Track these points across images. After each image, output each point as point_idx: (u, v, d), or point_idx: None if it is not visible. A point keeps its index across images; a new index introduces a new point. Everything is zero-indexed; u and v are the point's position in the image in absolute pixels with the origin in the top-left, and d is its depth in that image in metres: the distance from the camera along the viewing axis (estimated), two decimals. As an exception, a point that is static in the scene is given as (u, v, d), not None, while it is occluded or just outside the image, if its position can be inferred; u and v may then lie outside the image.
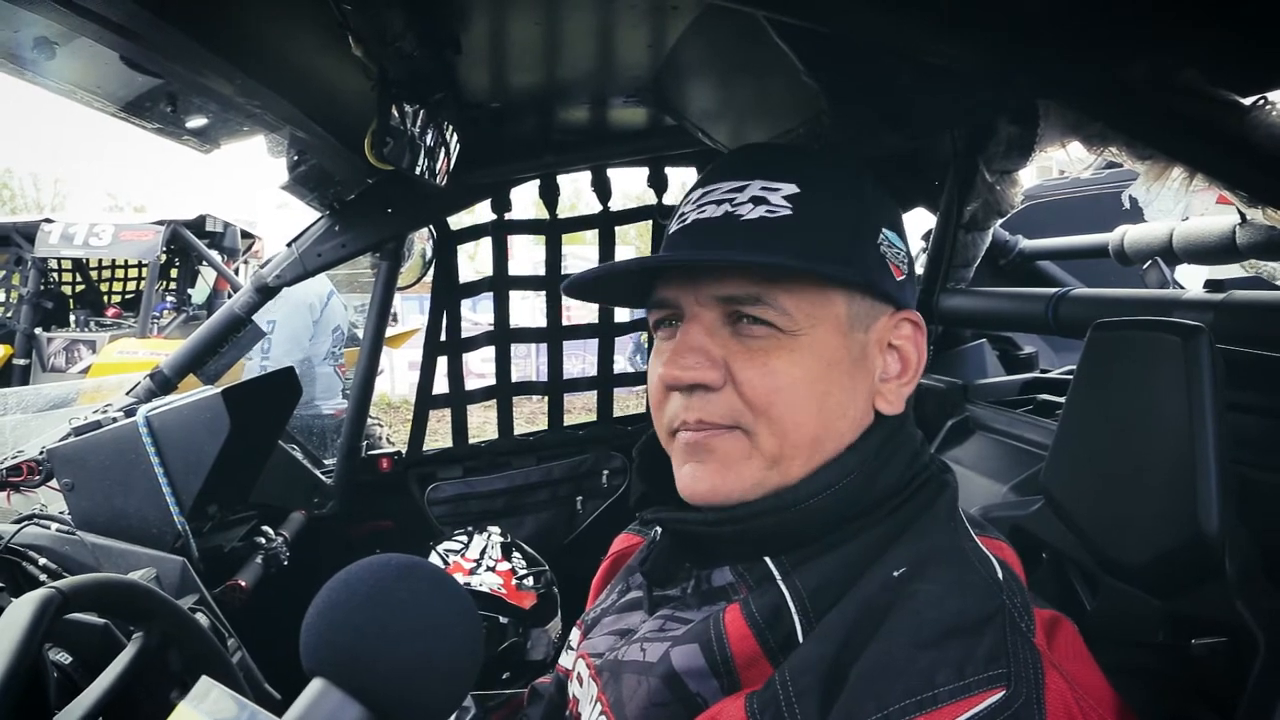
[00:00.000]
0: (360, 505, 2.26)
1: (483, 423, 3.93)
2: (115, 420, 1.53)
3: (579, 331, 2.60)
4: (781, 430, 0.60)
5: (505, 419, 2.44)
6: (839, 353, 0.61)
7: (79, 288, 6.79)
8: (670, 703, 0.60)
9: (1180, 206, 1.35)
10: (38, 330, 5.47)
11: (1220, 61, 0.71)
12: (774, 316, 0.60)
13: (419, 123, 1.35)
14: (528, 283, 2.50)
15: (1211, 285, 1.19)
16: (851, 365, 0.62)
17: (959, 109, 1.35)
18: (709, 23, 1.27)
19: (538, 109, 1.84)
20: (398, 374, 8.47)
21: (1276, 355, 1.03)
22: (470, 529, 2.11)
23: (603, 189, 2.28)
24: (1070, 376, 1.08)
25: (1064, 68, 0.76)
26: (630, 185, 2.48)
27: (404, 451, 2.37)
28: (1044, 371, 1.91)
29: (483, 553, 2.00)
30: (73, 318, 6.19)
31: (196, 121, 1.38)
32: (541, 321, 2.50)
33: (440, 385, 2.36)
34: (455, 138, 1.62)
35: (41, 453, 1.51)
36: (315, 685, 0.48)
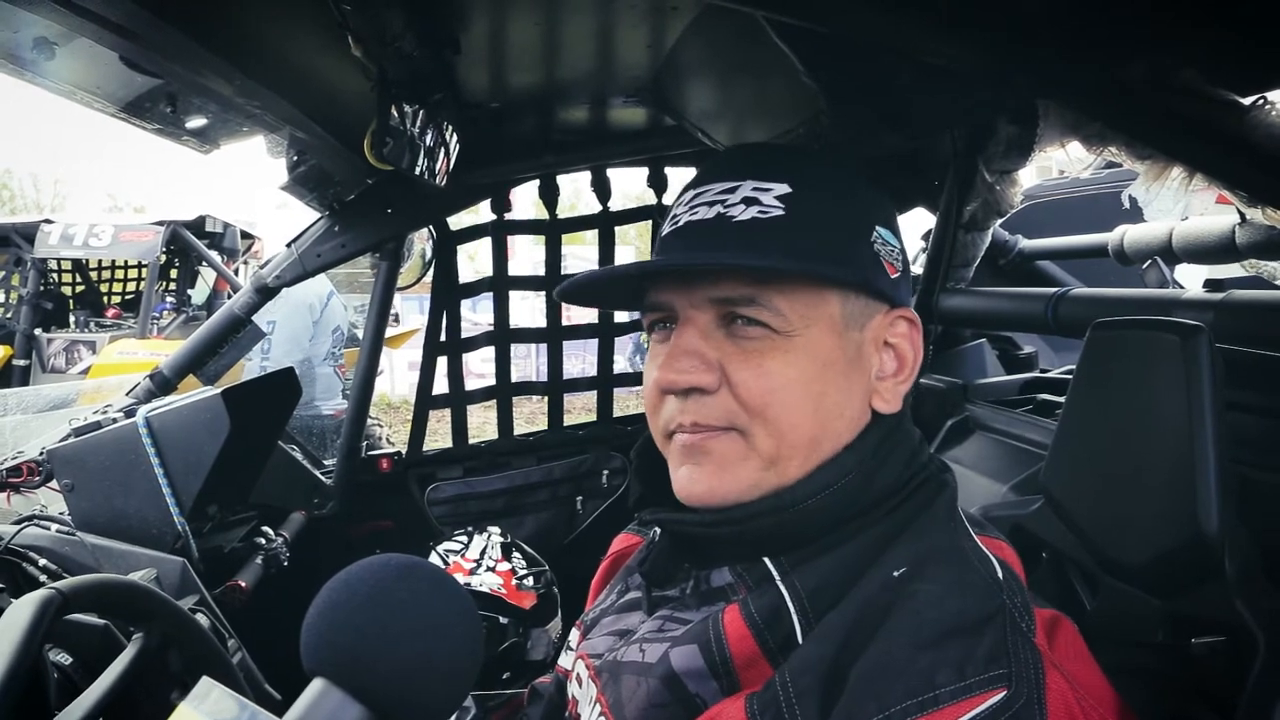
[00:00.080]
0: (360, 505, 2.26)
1: (483, 423, 3.93)
2: (115, 421, 1.53)
3: (579, 332, 2.60)
4: (778, 431, 0.60)
5: (505, 419, 2.44)
6: (834, 352, 0.61)
7: (79, 288, 6.79)
8: (669, 703, 0.60)
9: (1180, 206, 1.35)
10: (37, 331, 5.47)
11: (1219, 61, 0.71)
12: (768, 317, 0.60)
13: (419, 123, 1.35)
14: (527, 283, 2.50)
15: (1211, 285, 1.19)
16: (847, 365, 0.62)
17: (958, 109, 1.35)
18: (708, 23, 1.27)
19: (537, 109, 1.84)
20: (398, 374, 8.48)
21: (1276, 355, 1.03)
22: (470, 529, 2.11)
23: (602, 189, 2.28)
24: (1070, 376, 1.08)
25: (1063, 68, 0.76)
26: (630, 185, 2.49)
27: (404, 452, 2.37)
28: (1044, 371, 1.91)
29: (483, 553, 2.01)
30: (72, 318, 6.19)
31: (196, 122, 1.39)
32: (541, 321, 2.50)
33: (440, 385, 2.36)
34: (455, 138, 1.62)
35: (41, 453, 1.51)
36: (316, 685, 0.48)
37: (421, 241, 2.26)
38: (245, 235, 6.21)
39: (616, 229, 2.39)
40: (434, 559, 1.99)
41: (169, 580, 1.37)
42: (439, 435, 3.01)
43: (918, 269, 1.92)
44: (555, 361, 2.48)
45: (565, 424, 2.53)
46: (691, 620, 0.63)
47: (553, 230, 2.34)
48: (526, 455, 2.41)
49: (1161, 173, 1.01)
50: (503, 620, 1.88)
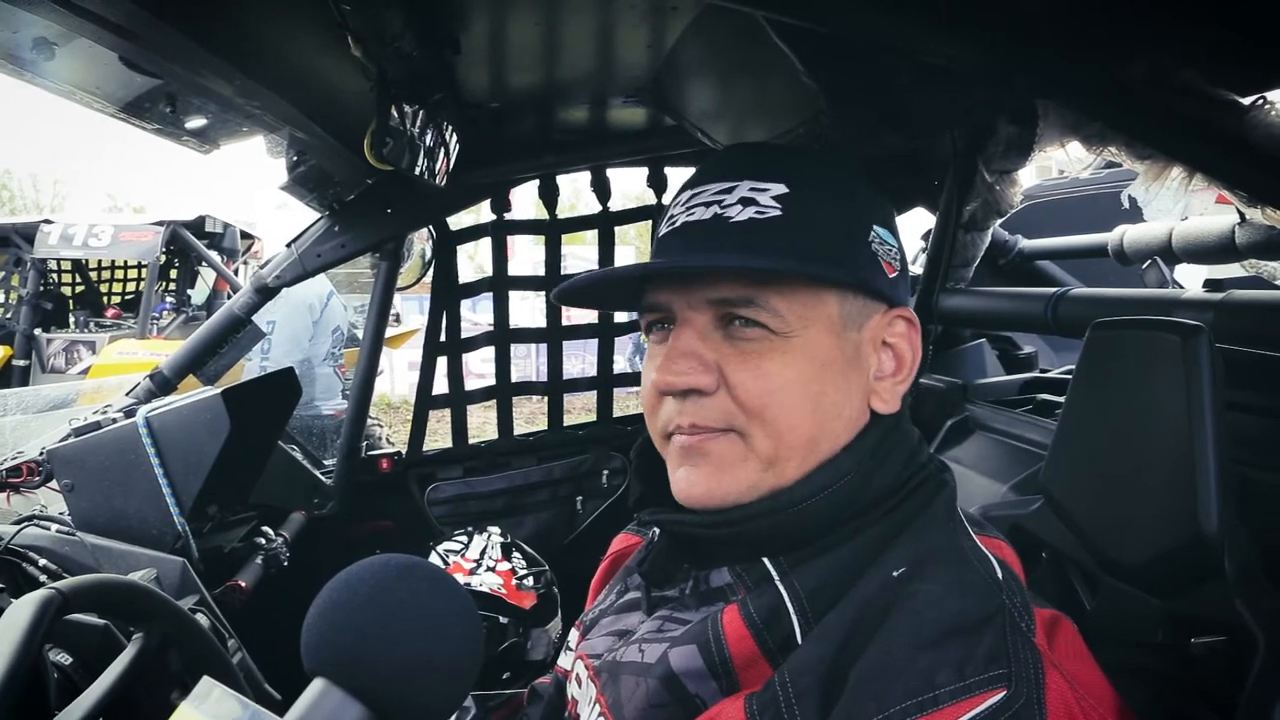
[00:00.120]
0: (360, 505, 2.26)
1: (483, 423, 3.93)
2: (115, 421, 1.53)
3: (579, 332, 2.60)
4: (776, 432, 0.60)
5: (505, 419, 2.44)
6: (832, 353, 0.61)
7: (78, 289, 6.78)
8: (669, 704, 0.60)
9: (1179, 206, 1.34)
10: (37, 331, 5.47)
11: (1219, 61, 0.71)
12: (766, 318, 0.60)
13: (418, 123, 1.35)
14: (527, 283, 2.50)
15: (1211, 285, 1.19)
16: (845, 365, 0.62)
17: (958, 109, 1.35)
18: (708, 23, 1.27)
19: (537, 109, 1.84)
20: (398, 374, 8.47)
21: (1276, 355, 1.03)
22: (470, 529, 2.11)
23: (602, 189, 2.28)
24: (1070, 376, 1.08)
25: (1063, 68, 0.76)
26: (630, 185, 2.49)
27: (404, 452, 2.37)
28: (1043, 371, 1.91)
29: (483, 553, 2.01)
30: (72, 319, 6.19)
31: (196, 122, 1.38)
32: (541, 321, 2.50)
33: (440, 385, 2.36)
34: (455, 138, 1.62)
35: (41, 454, 1.51)
36: (316, 685, 0.48)
37: (421, 241, 2.26)
38: (245, 235, 6.21)
39: (616, 229, 2.39)
40: (434, 559, 1.99)
41: (169, 580, 1.37)
42: (439, 435, 3.01)
43: (917, 269, 1.92)
44: (555, 361, 2.49)
45: (565, 424, 2.53)
46: (691, 620, 0.63)
47: (553, 230, 2.34)
48: (526, 455, 2.41)
49: (1161, 173, 1.01)
50: (503, 620, 1.88)
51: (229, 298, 4.26)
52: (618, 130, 2.06)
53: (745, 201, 0.61)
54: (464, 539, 2.06)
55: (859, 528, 0.61)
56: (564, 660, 0.81)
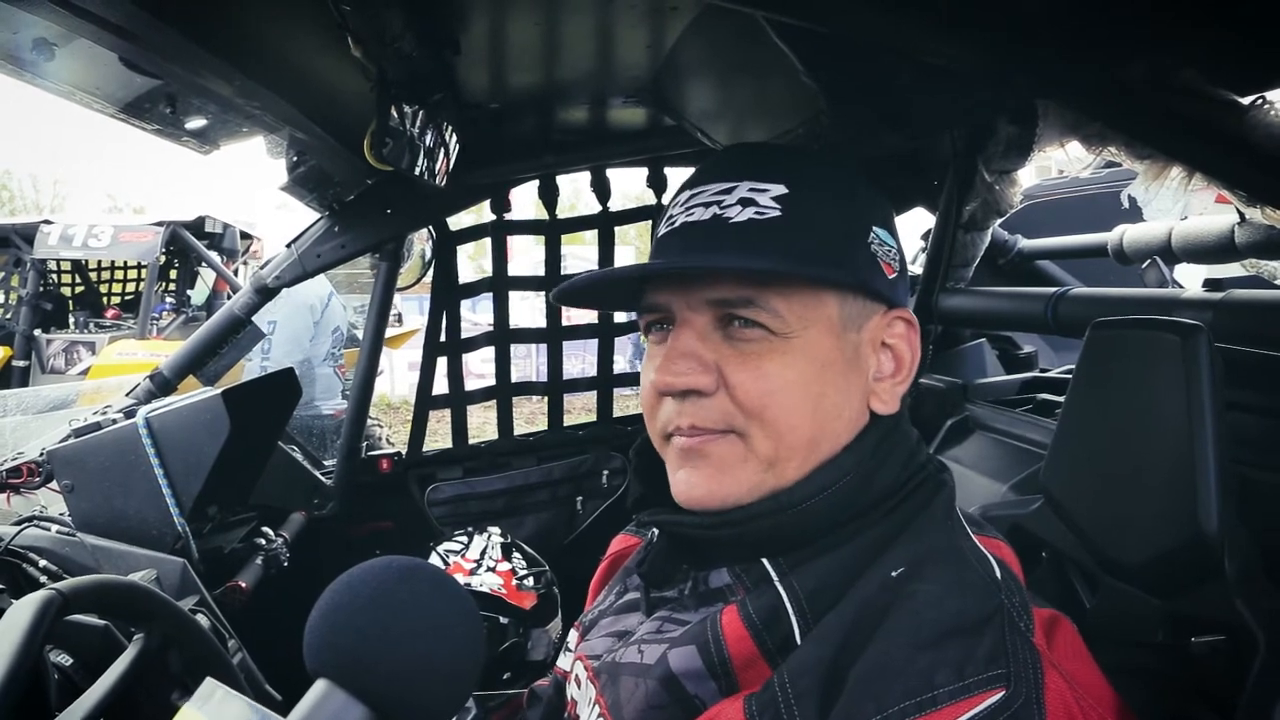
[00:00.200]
0: (360, 506, 2.26)
1: (483, 423, 3.93)
2: (115, 422, 1.53)
3: (579, 332, 2.60)
4: (776, 433, 0.60)
5: (505, 419, 2.44)
6: (832, 353, 0.61)
7: (78, 289, 6.78)
8: (668, 704, 0.60)
9: (1179, 206, 1.34)
10: (37, 332, 5.47)
11: (1219, 61, 0.71)
12: (766, 319, 0.60)
13: (418, 123, 1.35)
14: (527, 283, 2.50)
15: (1210, 284, 1.19)
16: (845, 366, 0.62)
17: (958, 109, 1.36)
18: (708, 23, 1.27)
19: (537, 109, 1.84)
20: (398, 374, 8.47)
21: (1276, 355, 1.03)
22: (470, 529, 2.12)
23: (602, 189, 2.28)
24: (1069, 376, 1.08)
25: (1062, 68, 0.76)
26: (630, 185, 2.49)
27: (404, 452, 2.37)
28: (1043, 371, 1.91)
29: (483, 553, 2.01)
30: (72, 319, 6.19)
31: (195, 122, 1.39)
32: (541, 322, 2.50)
33: (440, 386, 2.36)
34: (455, 138, 1.62)
35: (41, 454, 1.51)
36: (319, 686, 0.49)
37: (421, 242, 2.26)
38: (245, 236, 6.21)
39: (616, 229, 2.39)
40: (434, 559, 1.99)
41: (169, 581, 1.37)
42: (439, 435, 3.01)
43: (917, 269, 1.92)
44: (555, 362, 2.49)
45: (565, 424, 2.53)
46: (690, 621, 0.63)
47: (552, 230, 2.34)
48: (526, 455, 2.41)
49: (1161, 172, 1.01)
50: (503, 620, 1.88)
51: (229, 298, 4.26)
52: (618, 130, 2.06)
53: (745, 202, 0.61)
54: (464, 539, 2.06)
55: (858, 528, 0.61)
56: (563, 661, 0.81)
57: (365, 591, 0.51)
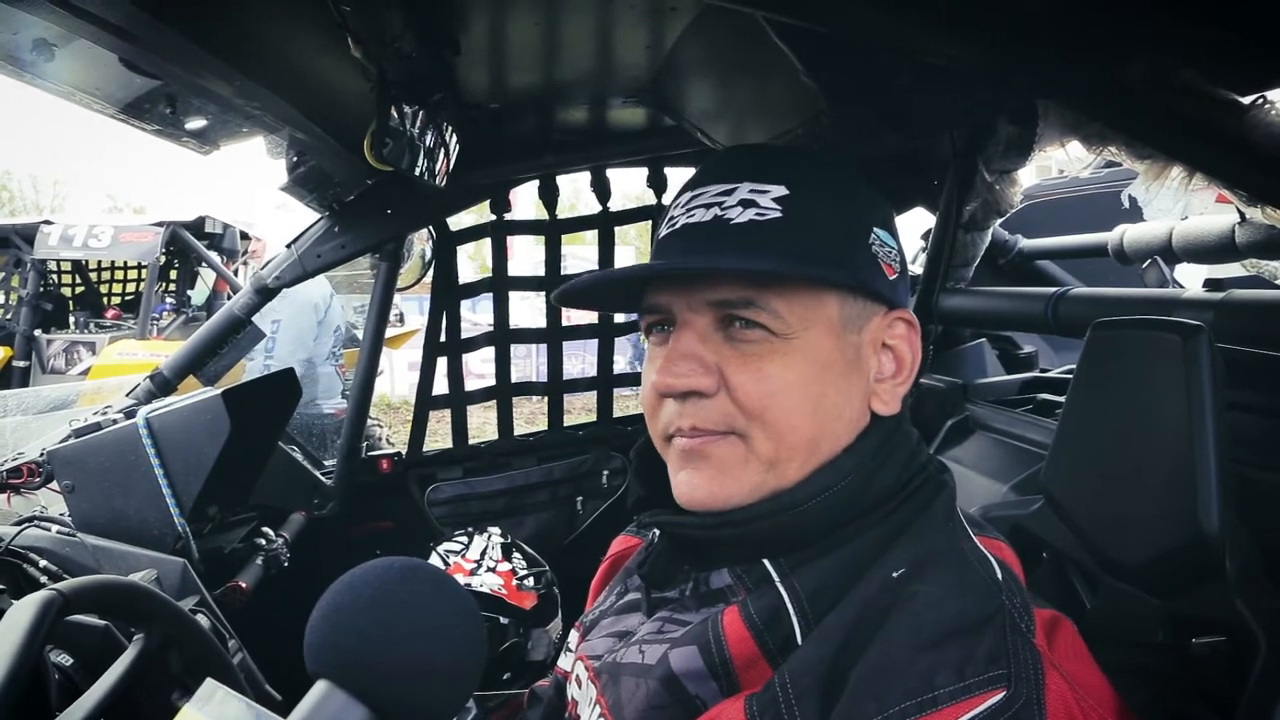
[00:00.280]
0: (360, 506, 2.26)
1: (483, 423, 3.93)
2: (115, 422, 1.53)
3: (579, 332, 2.60)
4: (777, 434, 0.60)
5: (505, 419, 2.44)
6: (833, 354, 0.61)
7: (78, 289, 6.78)
8: (669, 705, 0.60)
9: (1179, 206, 1.34)
10: (37, 332, 5.47)
11: (1219, 61, 0.71)
12: (767, 320, 0.60)
13: (418, 123, 1.35)
14: (527, 283, 2.50)
15: (1211, 284, 1.19)
16: (846, 367, 0.62)
17: (958, 109, 1.36)
18: (707, 23, 1.27)
19: (537, 109, 1.84)
20: (398, 374, 8.48)
21: (1276, 355, 1.03)
22: (470, 530, 2.11)
23: (602, 189, 2.28)
24: (1070, 376, 1.08)
25: (1063, 68, 0.76)
26: (630, 185, 2.49)
27: (404, 452, 2.37)
28: (1044, 371, 1.91)
29: (483, 553, 2.01)
30: (72, 319, 6.19)
31: (195, 123, 1.39)
32: (541, 322, 2.51)
33: (440, 386, 2.36)
34: (455, 138, 1.62)
35: (42, 455, 1.51)
36: (319, 687, 0.49)
37: (421, 242, 2.26)
38: (244, 236, 6.22)
39: (616, 229, 2.39)
40: (434, 559, 1.99)
41: (169, 581, 1.37)
42: (439, 436, 3.01)
43: (917, 269, 1.92)
44: (555, 362, 2.49)
45: (565, 424, 2.53)
46: (691, 622, 0.63)
47: (552, 230, 2.34)
48: (526, 456, 2.41)
49: (1161, 172, 1.01)
50: (503, 621, 1.88)
51: (229, 298, 4.26)
52: (618, 130, 2.06)
53: (745, 203, 0.61)
54: (464, 539, 2.06)
55: (859, 529, 0.61)
56: (564, 661, 0.81)
57: (366, 592, 0.51)
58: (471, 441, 2.43)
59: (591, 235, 2.43)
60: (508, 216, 2.28)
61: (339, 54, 1.12)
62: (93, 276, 6.87)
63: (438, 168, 1.54)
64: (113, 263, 6.79)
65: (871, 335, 0.64)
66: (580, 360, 4.14)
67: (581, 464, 2.44)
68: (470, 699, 0.88)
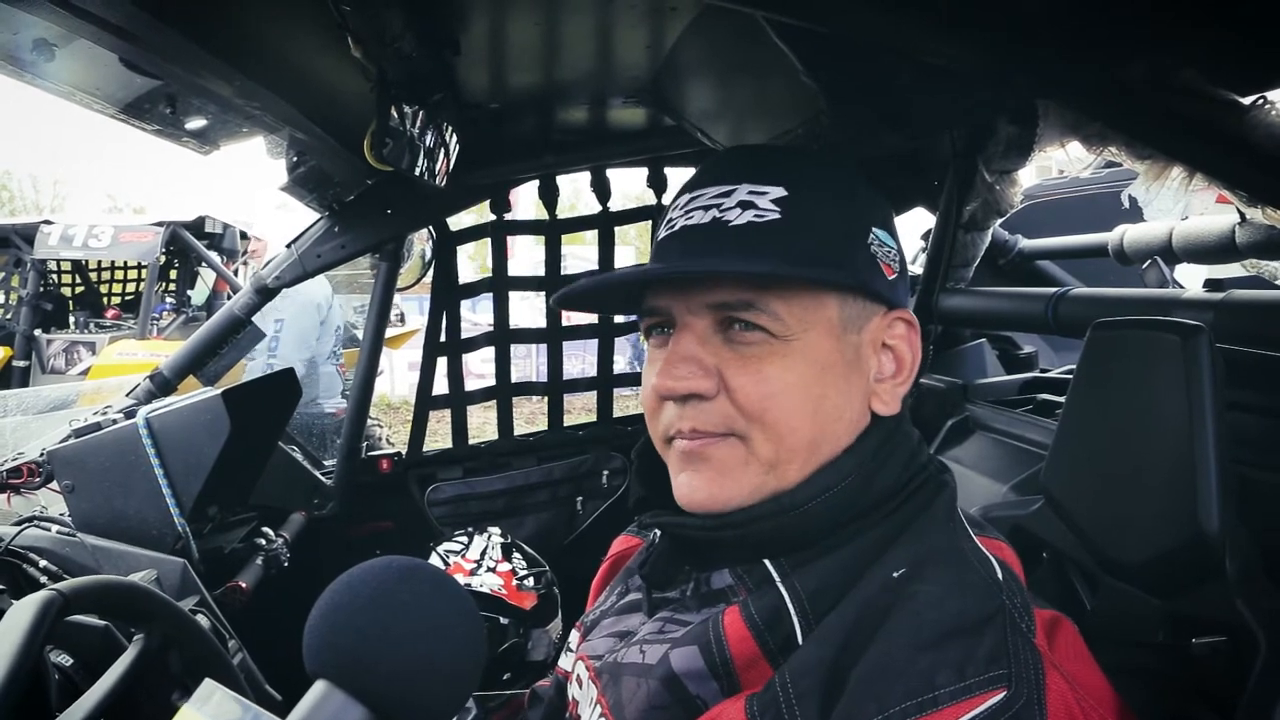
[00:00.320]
0: (360, 506, 2.26)
1: (483, 423, 3.93)
2: (115, 422, 1.53)
3: (579, 332, 2.60)
4: (777, 435, 0.60)
5: (505, 419, 2.44)
6: (832, 355, 0.61)
7: (78, 289, 6.78)
8: (670, 705, 0.60)
9: (1179, 206, 1.35)
10: (37, 332, 5.47)
11: (1219, 61, 0.71)
12: (766, 321, 0.60)
13: (418, 123, 1.35)
14: (527, 283, 2.50)
15: (1211, 285, 1.19)
16: (845, 367, 0.62)
17: (958, 109, 1.36)
18: (707, 23, 1.27)
19: (537, 109, 1.84)
20: (398, 374, 8.48)
21: (1276, 355, 1.03)
22: (470, 530, 2.11)
23: (602, 189, 2.28)
24: (1070, 376, 1.08)
25: (1063, 68, 0.76)
26: (630, 185, 2.49)
27: (404, 452, 2.37)
28: (1044, 371, 1.91)
29: (483, 553, 2.01)
30: (72, 319, 6.19)
31: (195, 123, 1.39)
32: (541, 322, 2.51)
33: (440, 386, 2.36)
34: (455, 138, 1.62)
35: (41, 455, 1.51)
36: (318, 687, 0.49)
37: (421, 242, 2.26)
38: (244, 236, 6.22)
39: (616, 229, 2.39)
40: (434, 560, 1.99)
41: (169, 581, 1.37)
42: (439, 436, 3.01)
43: (917, 269, 1.92)
44: (555, 362, 2.49)
45: (565, 424, 2.54)
46: (692, 622, 0.63)
47: (552, 231, 2.34)
48: (526, 456, 2.42)
49: (1161, 172, 1.01)
50: (503, 621, 1.88)
51: (229, 298, 4.26)
52: (618, 130, 2.06)
53: (744, 205, 0.61)
54: (464, 540, 2.06)
55: (860, 529, 0.61)
56: (564, 661, 0.81)
57: (365, 592, 0.51)
58: (471, 441, 2.43)
59: (591, 235, 2.43)
60: (508, 216, 2.28)
61: (339, 54, 1.12)
62: (93, 276, 6.87)
63: (438, 168, 1.54)
64: (113, 263, 6.79)
65: (871, 335, 0.64)
66: (580, 360, 4.14)
67: (581, 464, 2.44)
68: (470, 699, 0.88)
